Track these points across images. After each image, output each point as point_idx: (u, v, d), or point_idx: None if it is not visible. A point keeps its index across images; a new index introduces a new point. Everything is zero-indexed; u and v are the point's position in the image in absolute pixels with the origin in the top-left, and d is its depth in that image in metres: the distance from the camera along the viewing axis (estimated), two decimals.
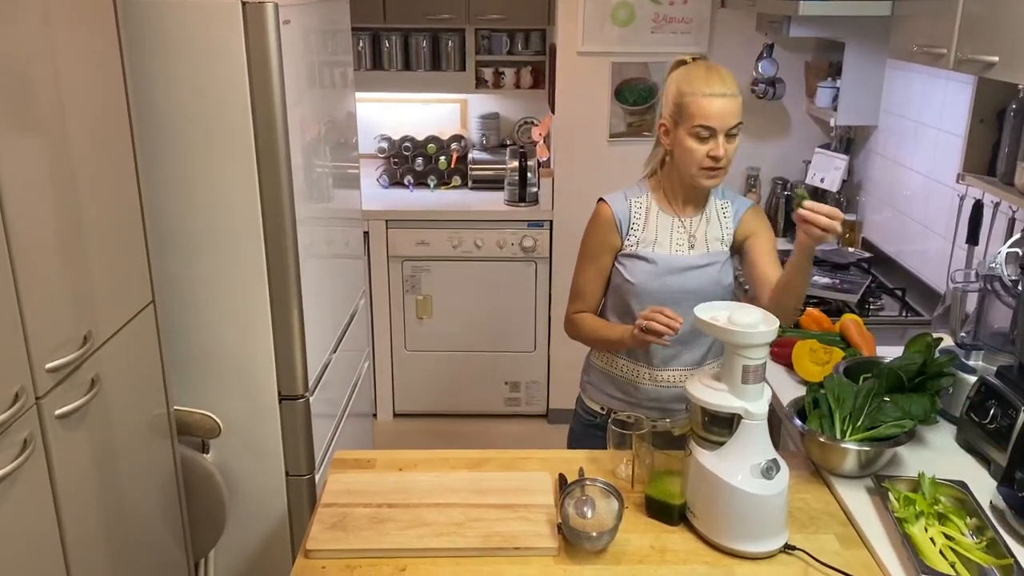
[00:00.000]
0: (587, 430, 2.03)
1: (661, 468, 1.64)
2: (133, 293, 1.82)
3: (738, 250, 1.94)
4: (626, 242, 1.89)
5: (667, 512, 1.60)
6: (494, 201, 3.78)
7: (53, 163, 1.51)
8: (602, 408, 1.99)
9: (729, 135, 1.77)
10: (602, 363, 2.00)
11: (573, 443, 2.07)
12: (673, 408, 1.91)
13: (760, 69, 3.40)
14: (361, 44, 3.86)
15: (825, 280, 2.83)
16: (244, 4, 1.90)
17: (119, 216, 1.76)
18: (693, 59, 1.83)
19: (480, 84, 4.01)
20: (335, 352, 2.53)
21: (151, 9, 1.91)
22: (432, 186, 3.98)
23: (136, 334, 1.82)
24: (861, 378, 1.83)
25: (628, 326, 1.81)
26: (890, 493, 1.58)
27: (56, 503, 1.51)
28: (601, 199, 1.92)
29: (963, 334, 2.09)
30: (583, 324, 1.95)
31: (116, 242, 1.74)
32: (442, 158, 4.00)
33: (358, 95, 2.98)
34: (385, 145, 4.04)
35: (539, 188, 3.73)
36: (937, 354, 1.87)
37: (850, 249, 3.17)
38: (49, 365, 1.47)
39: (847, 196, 3.35)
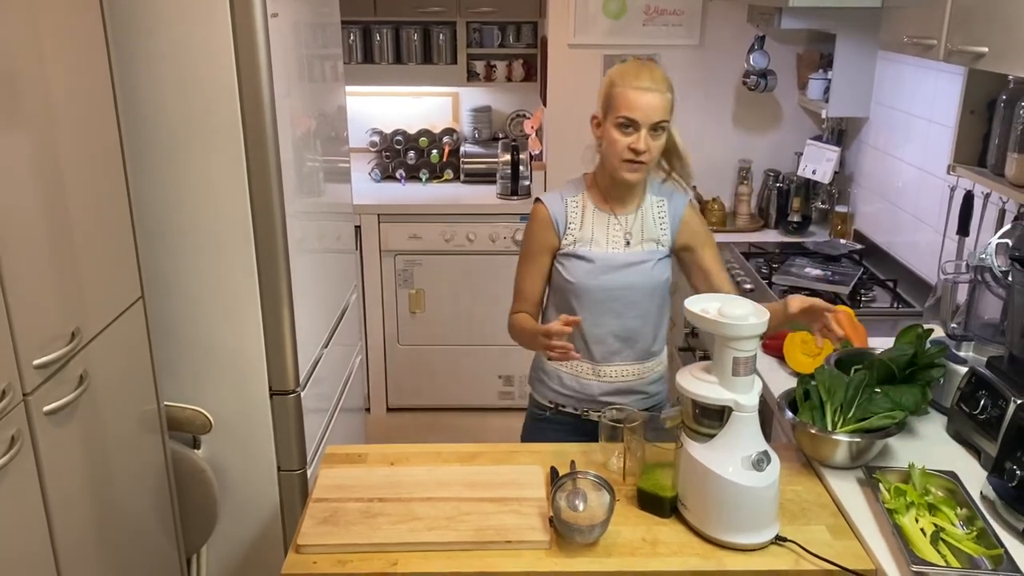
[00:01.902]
0: (538, 424, 2.05)
1: (653, 461, 1.64)
2: (122, 289, 1.81)
3: (680, 253, 1.96)
4: (564, 241, 1.90)
5: (659, 505, 1.60)
6: (486, 195, 3.77)
7: (39, 158, 1.50)
8: (550, 403, 2.01)
9: (653, 131, 1.78)
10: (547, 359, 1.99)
11: (525, 437, 2.09)
12: (618, 403, 1.91)
13: (751, 61, 3.39)
14: (352, 37, 3.84)
15: (817, 271, 2.83)
16: None
17: (107, 212, 1.75)
18: (635, 59, 1.87)
19: (472, 77, 4.00)
20: (327, 347, 2.52)
21: (137, 2, 1.89)
22: (424, 180, 3.97)
23: (125, 330, 1.81)
24: (852, 369, 1.83)
25: (540, 327, 1.81)
26: (881, 484, 1.58)
27: (45, 500, 1.51)
28: (538, 199, 1.94)
29: (954, 325, 2.10)
30: (514, 324, 1.96)
31: (104, 238, 1.73)
32: (434, 152, 3.99)
33: (349, 89, 2.97)
34: (377, 139, 4.03)
35: (532, 181, 3.72)
36: (928, 345, 1.87)
37: (841, 241, 3.18)
38: (36, 361, 1.46)
39: (839, 188, 3.35)
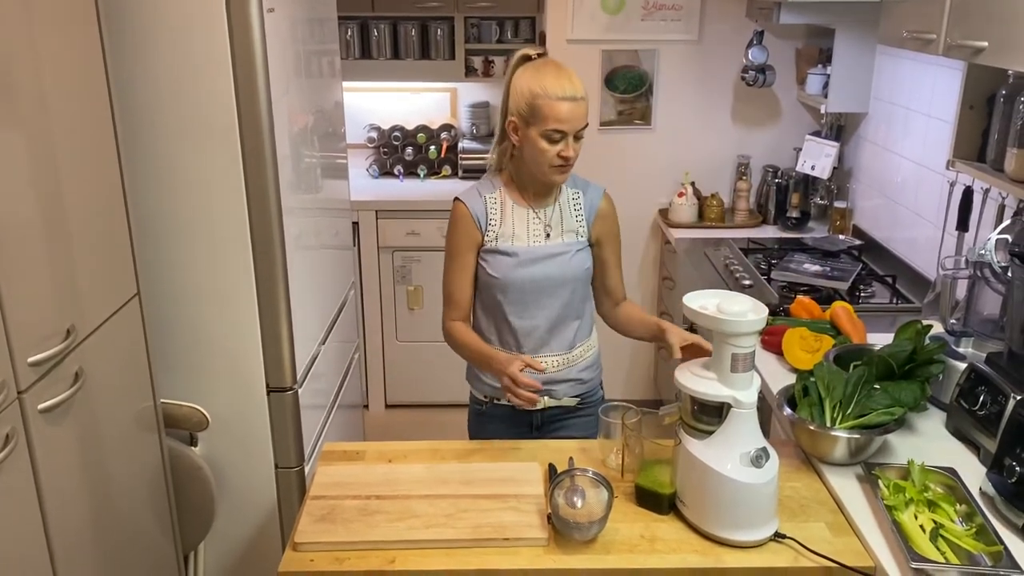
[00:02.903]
0: (478, 419, 2.07)
1: (651, 457, 1.64)
2: (117, 286, 1.80)
3: (592, 245, 1.98)
4: (486, 238, 1.91)
5: (657, 501, 1.59)
6: None
7: (34, 154, 1.49)
8: (485, 396, 2.02)
9: (577, 136, 1.81)
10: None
11: (471, 432, 2.10)
12: (552, 392, 1.95)
13: (750, 56, 3.39)
14: (349, 33, 3.83)
15: (815, 267, 2.83)
16: None
17: (102, 208, 1.74)
18: (538, 55, 1.85)
19: (470, 73, 3.99)
20: (324, 344, 2.51)
21: None
22: (422, 176, 3.96)
23: (121, 327, 1.81)
24: (851, 366, 1.83)
25: (500, 366, 1.80)
26: (880, 480, 1.58)
27: (40, 498, 1.50)
28: (456, 198, 1.94)
29: (953, 321, 2.09)
30: (458, 338, 1.94)
31: (99, 234, 1.72)
32: (432, 147, 3.98)
33: (347, 84, 2.96)
34: (374, 135, 4.01)
35: None
36: (927, 341, 1.87)
37: (841, 236, 3.17)
38: (32, 359, 1.45)
39: (837, 183, 3.35)
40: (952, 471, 1.61)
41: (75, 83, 1.63)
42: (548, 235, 1.92)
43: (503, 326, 1.94)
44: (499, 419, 2.01)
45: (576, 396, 1.99)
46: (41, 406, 1.49)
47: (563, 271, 1.92)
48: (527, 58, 1.86)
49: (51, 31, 1.54)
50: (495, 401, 2.00)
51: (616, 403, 1.77)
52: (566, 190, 1.96)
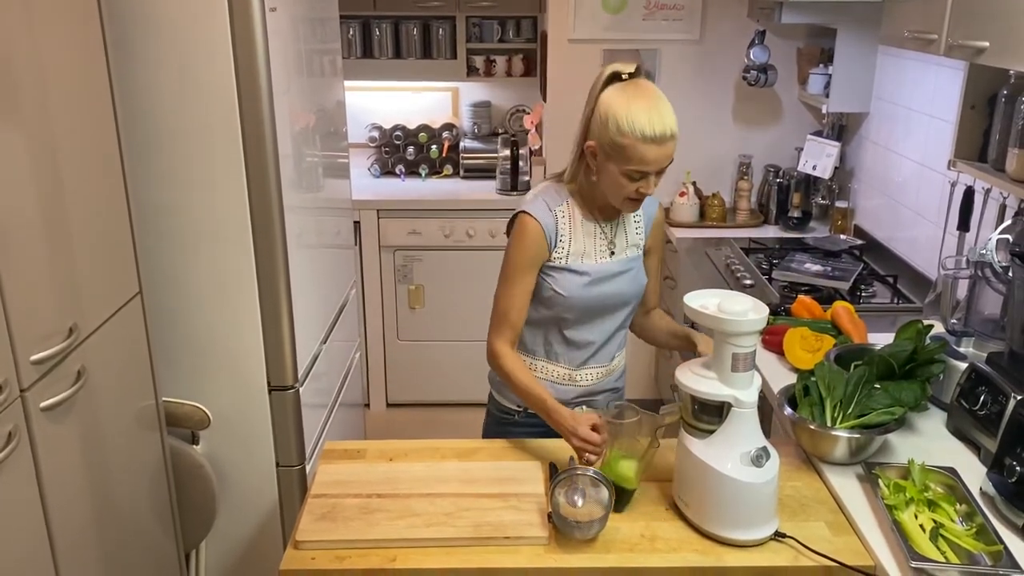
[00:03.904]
0: (503, 427, 1.96)
1: (622, 452, 1.61)
2: (120, 284, 1.81)
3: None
4: (554, 254, 1.80)
5: (618, 495, 1.56)
6: (486, 190, 3.76)
7: (36, 153, 1.49)
8: (517, 406, 1.93)
9: (660, 172, 1.70)
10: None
11: (488, 438, 2.00)
12: (590, 402, 1.90)
13: (752, 56, 3.39)
14: (351, 32, 3.83)
15: (816, 267, 2.83)
16: None
17: (104, 207, 1.74)
18: (629, 75, 1.71)
19: (471, 72, 3.99)
20: (325, 342, 2.51)
21: None
22: (424, 175, 3.96)
23: (123, 325, 1.81)
24: (852, 365, 1.83)
25: (569, 426, 1.67)
26: (880, 480, 1.58)
27: (42, 496, 1.50)
28: (524, 212, 1.79)
29: (954, 321, 2.09)
30: (510, 371, 1.80)
31: (102, 233, 1.73)
32: (433, 147, 3.98)
33: (348, 84, 2.96)
34: (376, 134, 4.02)
35: (531, 177, 3.71)
36: (928, 341, 1.87)
37: (842, 236, 3.17)
38: (34, 357, 1.46)
39: (839, 183, 3.35)
40: (952, 471, 1.61)
41: (77, 82, 1.63)
42: (612, 252, 1.85)
43: (555, 339, 1.87)
44: (530, 428, 1.89)
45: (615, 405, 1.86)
46: (43, 404, 1.49)
47: (629, 288, 1.86)
48: (617, 76, 1.70)
49: (53, 29, 1.54)
50: (528, 411, 1.88)
51: (616, 402, 1.78)
52: None
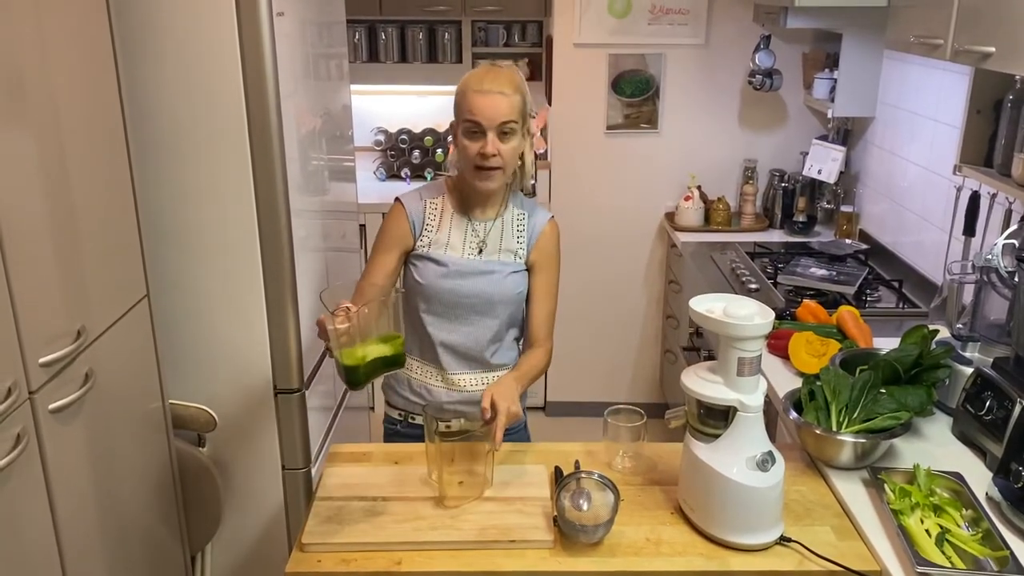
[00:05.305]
0: (391, 438, 2.00)
1: (373, 336, 1.51)
2: (127, 287, 1.82)
3: (528, 270, 1.91)
4: (418, 243, 1.86)
5: (352, 375, 1.50)
6: None
7: (45, 156, 1.50)
8: (400, 414, 1.97)
9: (503, 133, 1.74)
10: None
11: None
12: (466, 411, 1.82)
13: (757, 60, 3.39)
14: (357, 36, 3.84)
15: (822, 272, 2.83)
16: None
17: (112, 210, 1.75)
18: (487, 63, 1.84)
19: None
20: None
21: (143, 0, 1.90)
22: (429, 179, 3.97)
23: (131, 328, 1.82)
24: (857, 370, 1.83)
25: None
26: (886, 485, 1.58)
27: (50, 498, 1.51)
28: (397, 199, 1.90)
29: (959, 325, 2.09)
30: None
31: (109, 236, 1.74)
32: (439, 151, 3.99)
33: (354, 87, 2.97)
34: (382, 138, 4.03)
35: (536, 180, 3.72)
36: (933, 346, 1.87)
37: (847, 241, 3.17)
38: (42, 360, 1.47)
39: (844, 187, 3.35)
40: (958, 476, 1.61)
41: (86, 86, 1.64)
42: (481, 250, 1.86)
43: (425, 339, 1.89)
44: (412, 440, 1.89)
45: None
46: (51, 407, 1.50)
47: (491, 290, 1.85)
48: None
49: (62, 34, 1.55)
50: (411, 419, 1.94)
51: (621, 406, 1.78)
52: (512, 209, 1.91)
